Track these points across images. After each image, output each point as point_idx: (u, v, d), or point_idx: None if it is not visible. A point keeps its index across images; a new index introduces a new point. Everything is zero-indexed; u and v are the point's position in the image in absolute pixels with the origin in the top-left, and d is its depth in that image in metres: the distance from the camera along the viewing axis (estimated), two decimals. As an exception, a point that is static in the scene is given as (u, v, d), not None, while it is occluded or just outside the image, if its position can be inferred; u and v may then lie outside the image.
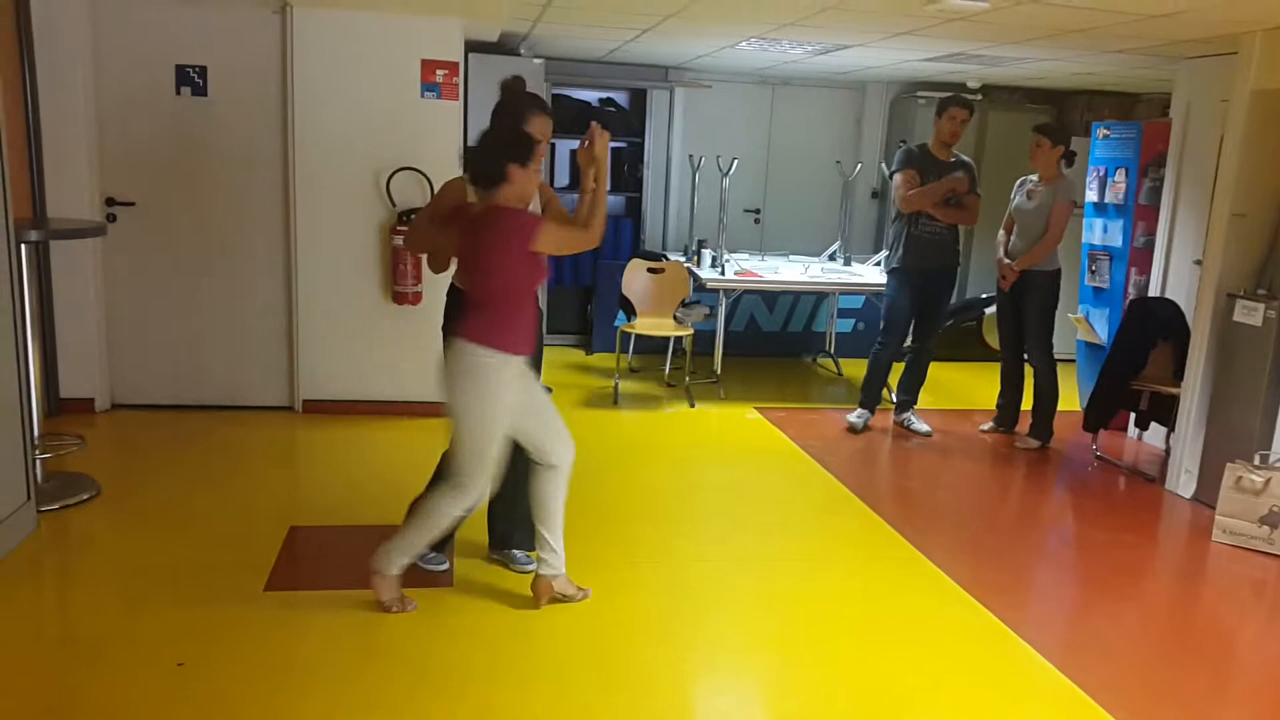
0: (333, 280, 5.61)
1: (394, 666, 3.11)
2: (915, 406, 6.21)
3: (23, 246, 3.91)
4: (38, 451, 4.11)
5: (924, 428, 6.10)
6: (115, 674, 3.01)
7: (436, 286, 5.61)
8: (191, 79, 5.35)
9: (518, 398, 3.32)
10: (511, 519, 3.78)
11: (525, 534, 3.73)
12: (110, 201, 5.39)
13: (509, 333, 3.26)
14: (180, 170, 5.43)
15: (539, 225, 3.22)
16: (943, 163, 5.74)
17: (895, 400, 6.27)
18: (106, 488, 4.41)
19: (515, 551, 3.83)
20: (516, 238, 3.18)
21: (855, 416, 6.08)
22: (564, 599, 3.55)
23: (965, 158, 5.85)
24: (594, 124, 3.39)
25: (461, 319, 3.30)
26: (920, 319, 5.99)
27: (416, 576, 3.66)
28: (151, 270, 5.51)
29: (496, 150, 3.22)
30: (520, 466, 3.50)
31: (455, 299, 3.50)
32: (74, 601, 3.65)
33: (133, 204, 5.43)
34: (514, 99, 3.55)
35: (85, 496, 4.30)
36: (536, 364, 3.61)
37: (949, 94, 5.94)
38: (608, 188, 3.42)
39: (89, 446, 4.77)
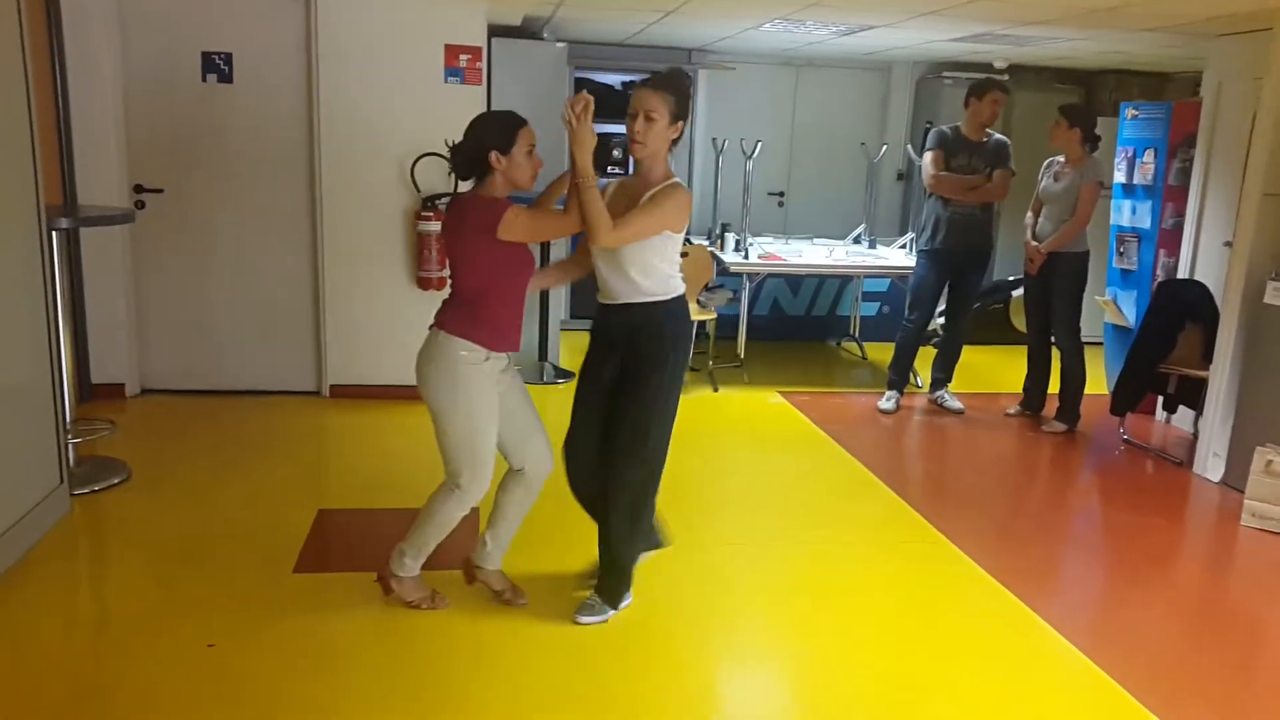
0: (358, 266, 5.64)
1: (423, 648, 3.14)
2: (949, 385, 6.25)
3: (54, 234, 3.96)
4: (70, 436, 4.17)
5: (957, 405, 6.16)
6: (147, 655, 3.06)
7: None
8: (217, 66, 5.38)
9: (502, 395, 3.20)
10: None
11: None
12: (139, 189, 5.44)
13: (490, 327, 3.11)
14: (207, 157, 5.47)
15: (503, 213, 3.00)
16: (975, 144, 5.76)
17: (931, 378, 6.32)
18: (137, 471, 4.47)
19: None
20: (481, 228, 3.02)
21: (886, 401, 6.12)
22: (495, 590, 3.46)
23: (1001, 136, 5.86)
24: (580, 94, 2.95)
25: (443, 307, 3.19)
26: (952, 299, 6.03)
27: (429, 558, 3.69)
28: (179, 256, 5.56)
29: (473, 139, 3.06)
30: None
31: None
32: (106, 583, 3.71)
33: (161, 191, 5.47)
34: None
35: (116, 480, 4.36)
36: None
37: (985, 77, 5.96)
38: (580, 165, 2.97)
39: (120, 431, 4.84)
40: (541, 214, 3.17)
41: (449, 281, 3.21)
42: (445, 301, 3.21)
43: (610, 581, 3.41)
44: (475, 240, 3.06)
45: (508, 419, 3.25)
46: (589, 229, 3.02)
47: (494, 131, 3.06)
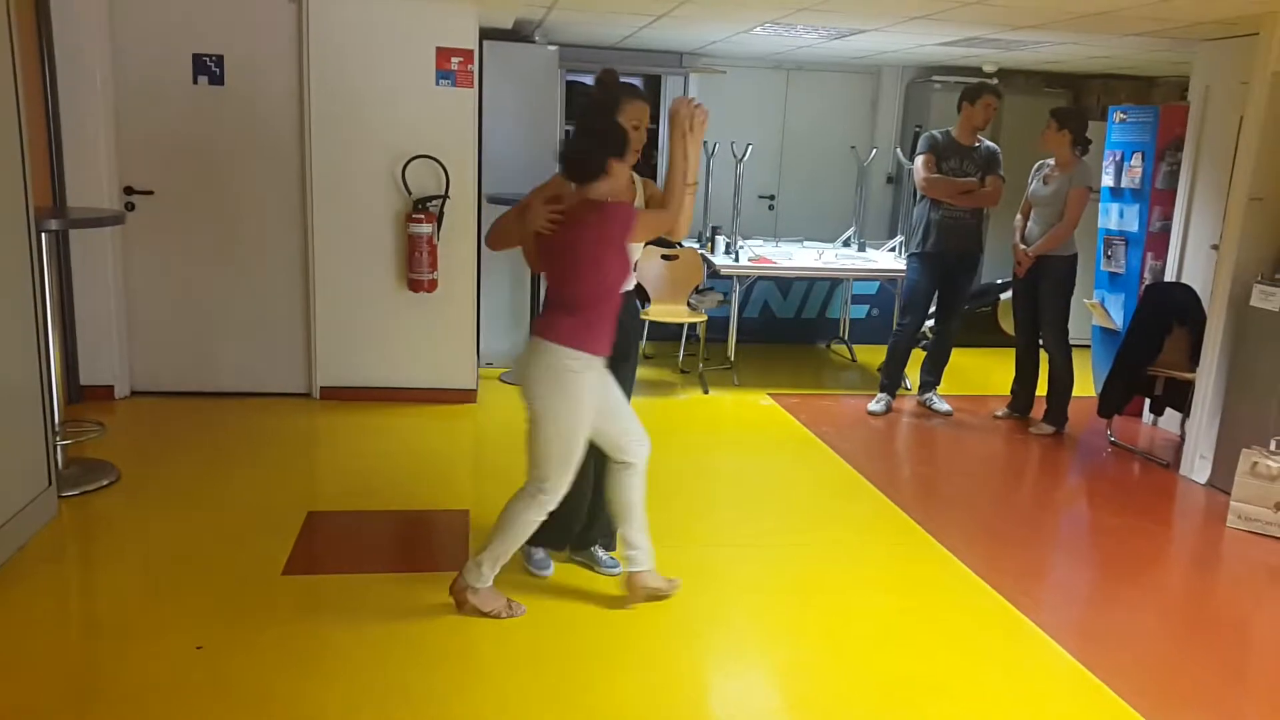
0: (349, 268, 5.63)
1: (411, 651, 3.14)
2: (937, 388, 6.28)
3: (43, 235, 3.95)
4: (59, 438, 4.16)
5: (945, 407, 6.18)
6: (135, 657, 3.05)
7: (452, 275, 5.68)
8: (209, 68, 5.38)
9: (598, 400, 3.24)
10: (589, 518, 3.71)
11: (604, 532, 3.75)
12: (129, 190, 5.43)
13: (598, 333, 3.17)
14: (198, 159, 5.46)
15: (635, 215, 3.14)
16: (967, 148, 5.79)
17: (920, 380, 6.33)
18: (126, 474, 4.47)
19: (599, 553, 3.78)
20: (617, 231, 3.12)
21: (875, 403, 6.13)
22: (657, 594, 3.50)
23: (990, 143, 5.89)
24: (684, 99, 3.26)
25: (547, 318, 3.21)
26: (941, 303, 6.06)
27: (418, 560, 3.70)
28: (170, 258, 5.55)
29: (596, 145, 3.13)
30: (595, 463, 3.47)
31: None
32: (94, 586, 3.70)
33: (151, 193, 5.46)
34: (609, 90, 3.45)
35: (105, 482, 4.35)
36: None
37: (978, 81, 5.99)
38: (696, 166, 3.28)
39: (109, 433, 4.83)
40: (652, 213, 3.30)
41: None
42: (546, 309, 3.26)
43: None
44: (609, 245, 3.13)
45: (611, 417, 3.32)
46: (676, 224, 3.29)
47: (619, 141, 3.18)
